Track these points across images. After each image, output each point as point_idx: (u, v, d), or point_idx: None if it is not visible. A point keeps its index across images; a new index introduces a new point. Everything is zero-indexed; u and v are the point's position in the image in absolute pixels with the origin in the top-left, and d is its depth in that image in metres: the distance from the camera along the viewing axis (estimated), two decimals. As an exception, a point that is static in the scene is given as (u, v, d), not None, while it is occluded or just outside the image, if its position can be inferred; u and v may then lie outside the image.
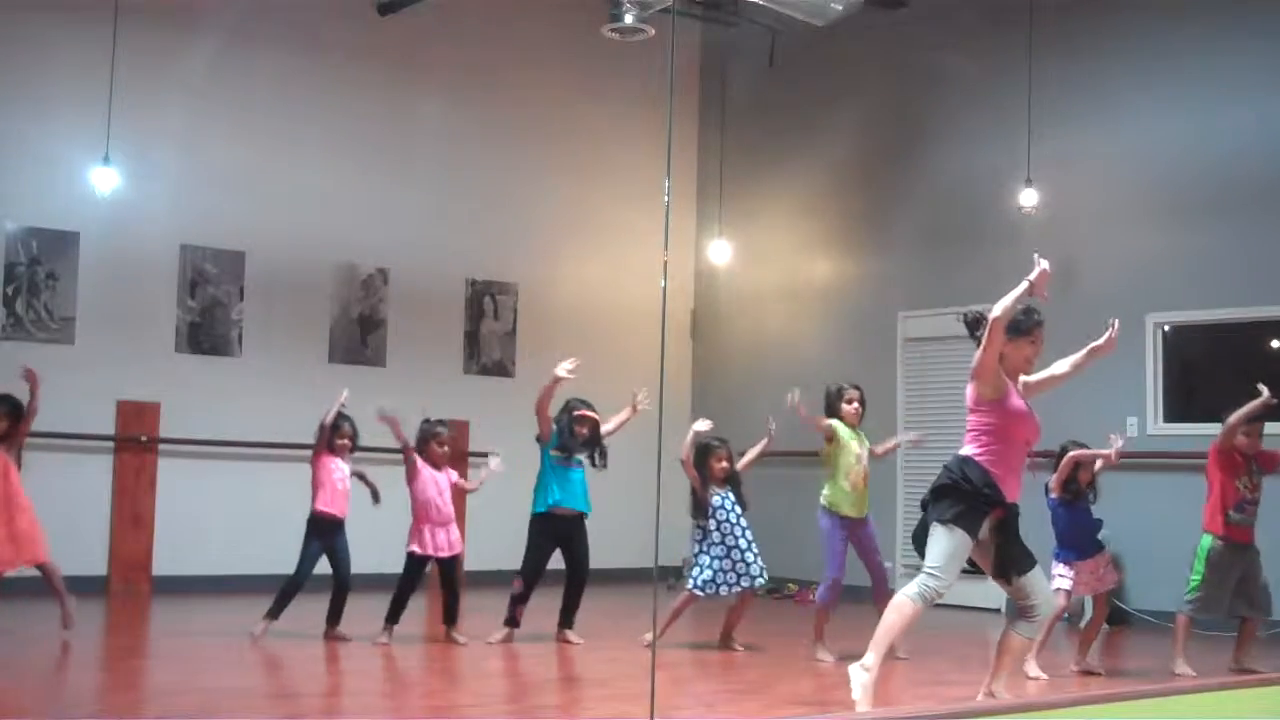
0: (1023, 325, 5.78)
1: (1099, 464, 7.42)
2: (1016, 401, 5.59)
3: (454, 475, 8.04)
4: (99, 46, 9.52)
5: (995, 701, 5.40)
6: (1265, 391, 7.36)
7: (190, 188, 10.55)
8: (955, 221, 11.00)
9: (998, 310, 5.55)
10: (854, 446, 7.65)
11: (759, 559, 7.74)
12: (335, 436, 7.91)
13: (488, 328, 11.92)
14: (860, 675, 5.33)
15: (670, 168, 12.28)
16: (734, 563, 7.64)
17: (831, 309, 11.92)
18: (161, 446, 10.24)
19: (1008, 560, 5.48)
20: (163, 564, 10.16)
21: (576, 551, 7.91)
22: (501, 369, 11.91)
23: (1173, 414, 9.61)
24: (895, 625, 5.43)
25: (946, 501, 5.44)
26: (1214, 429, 9.35)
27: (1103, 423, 9.78)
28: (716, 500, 7.73)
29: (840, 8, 9.99)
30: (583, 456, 7.96)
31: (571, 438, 7.88)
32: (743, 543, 7.70)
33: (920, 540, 5.54)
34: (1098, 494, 7.41)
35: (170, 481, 10.24)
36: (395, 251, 11.40)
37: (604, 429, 8.01)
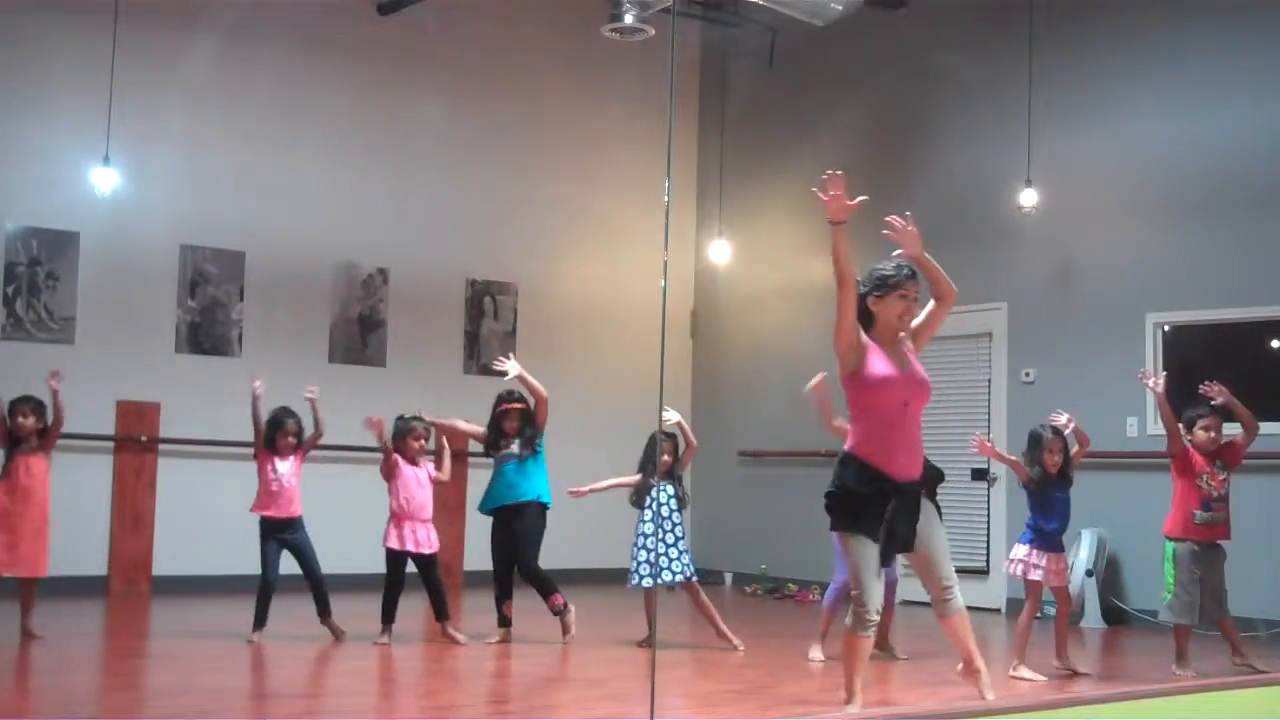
0: (890, 280, 5.55)
1: (1074, 449, 7.20)
2: (880, 368, 5.32)
3: (432, 470, 8.03)
4: (99, 46, 9.52)
5: (996, 702, 5.39)
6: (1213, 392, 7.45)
7: (190, 188, 10.55)
8: (955, 221, 10.98)
9: (839, 263, 5.46)
10: None
11: (681, 558, 7.64)
12: (277, 434, 7.83)
13: (488, 328, 11.92)
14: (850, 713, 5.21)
15: (670, 168, 12.29)
16: (656, 556, 7.59)
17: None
18: (161, 446, 10.25)
19: (889, 539, 5.19)
20: (163, 564, 10.17)
21: (515, 541, 7.95)
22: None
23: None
24: (850, 661, 5.27)
25: (835, 513, 5.28)
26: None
27: (1103, 423, 9.81)
28: (654, 493, 7.68)
29: (840, 8, 10.00)
30: (513, 449, 8.04)
31: (500, 434, 8.09)
32: (669, 538, 7.65)
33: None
34: (1070, 480, 7.19)
35: (170, 481, 10.25)
36: (395, 251, 11.40)
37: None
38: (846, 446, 5.29)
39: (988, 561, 10.39)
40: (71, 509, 9.45)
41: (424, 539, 7.81)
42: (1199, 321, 9.60)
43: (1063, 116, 10.23)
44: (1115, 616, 9.55)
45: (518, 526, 7.94)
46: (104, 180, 9.51)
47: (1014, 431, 10.36)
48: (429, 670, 7.04)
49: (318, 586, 7.74)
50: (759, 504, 11.81)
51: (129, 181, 9.81)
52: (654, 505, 7.66)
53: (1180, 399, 9.68)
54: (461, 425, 8.26)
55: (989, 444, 7.31)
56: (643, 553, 7.61)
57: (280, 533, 7.72)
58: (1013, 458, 7.44)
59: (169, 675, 6.62)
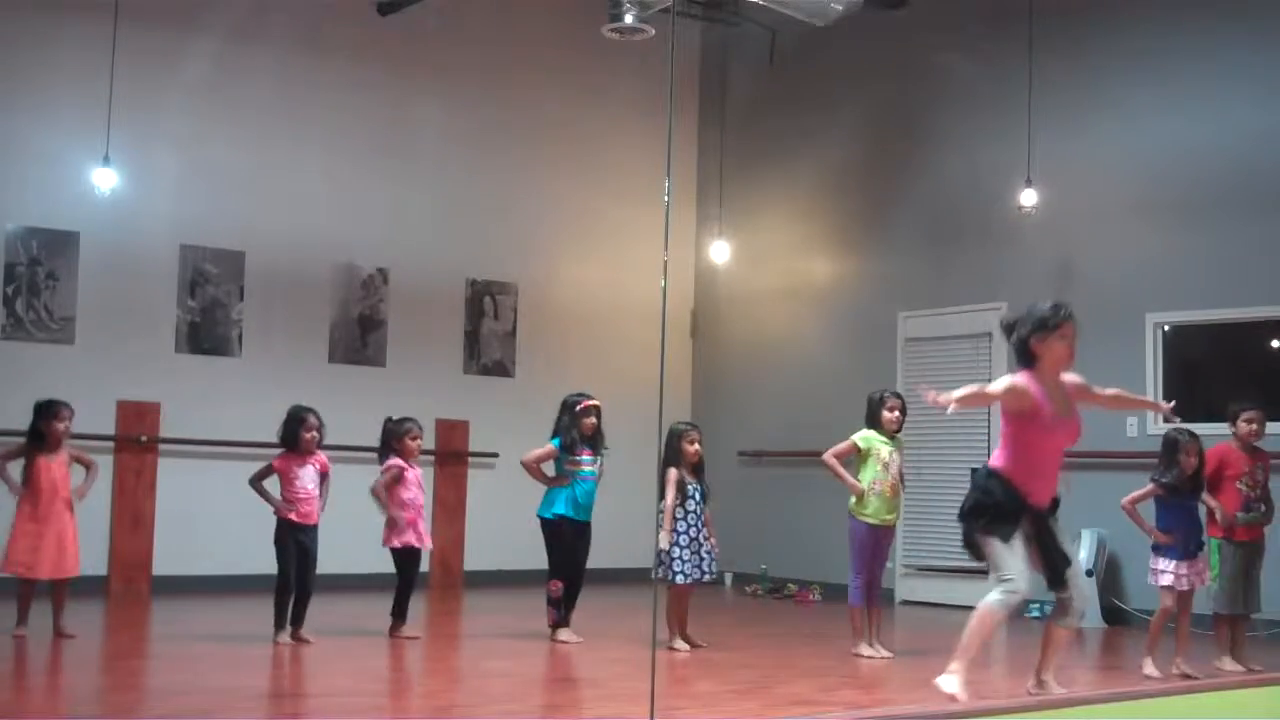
0: (1050, 322, 5.66)
1: (1192, 457, 7.05)
2: (1046, 412, 5.59)
3: (418, 468, 8.12)
4: (99, 46, 9.52)
5: (996, 702, 5.40)
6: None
7: (190, 188, 10.55)
8: (955, 221, 11.00)
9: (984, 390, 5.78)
10: (884, 454, 7.59)
11: (713, 554, 7.68)
12: (300, 430, 7.74)
13: (488, 328, 11.92)
14: (950, 683, 5.49)
15: (670, 168, 12.27)
16: (695, 554, 7.59)
17: (831, 309, 11.92)
18: (161, 446, 10.25)
19: (1049, 560, 5.63)
20: (163, 564, 10.16)
21: (580, 557, 7.92)
22: (501, 369, 11.91)
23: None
24: (976, 631, 5.58)
25: (976, 517, 5.66)
26: (1213, 429, 9.37)
27: (1103, 423, 9.80)
28: (689, 489, 7.66)
29: (840, 8, 10.00)
30: (589, 459, 7.91)
31: (581, 437, 7.90)
32: (702, 535, 7.64)
33: (971, 549, 5.76)
34: (1204, 485, 7.13)
35: (170, 481, 10.24)
36: (395, 251, 11.40)
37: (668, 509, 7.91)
38: (993, 463, 5.71)
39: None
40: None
41: (425, 535, 7.96)
42: (1199, 321, 9.60)
43: (1063, 116, 10.23)
44: (1115, 616, 9.55)
45: (587, 543, 7.94)
46: (104, 180, 9.51)
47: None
48: (429, 670, 7.04)
49: (308, 597, 7.66)
50: (759, 504, 11.80)
51: (129, 181, 9.81)
52: (688, 504, 7.63)
53: (1181, 399, 9.67)
54: (535, 454, 7.96)
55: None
56: (683, 550, 7.55)
57: (301, 535, 7.65)
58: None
59: (169, 675, 6.62)
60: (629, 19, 10.01)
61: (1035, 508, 5.62)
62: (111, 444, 10.07)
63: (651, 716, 4.80)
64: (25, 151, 9.90)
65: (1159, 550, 7.05)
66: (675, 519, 7.56)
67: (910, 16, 11.27)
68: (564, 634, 7.74)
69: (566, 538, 7.81)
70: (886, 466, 7.56)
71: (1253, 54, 9.47)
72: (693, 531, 7.59)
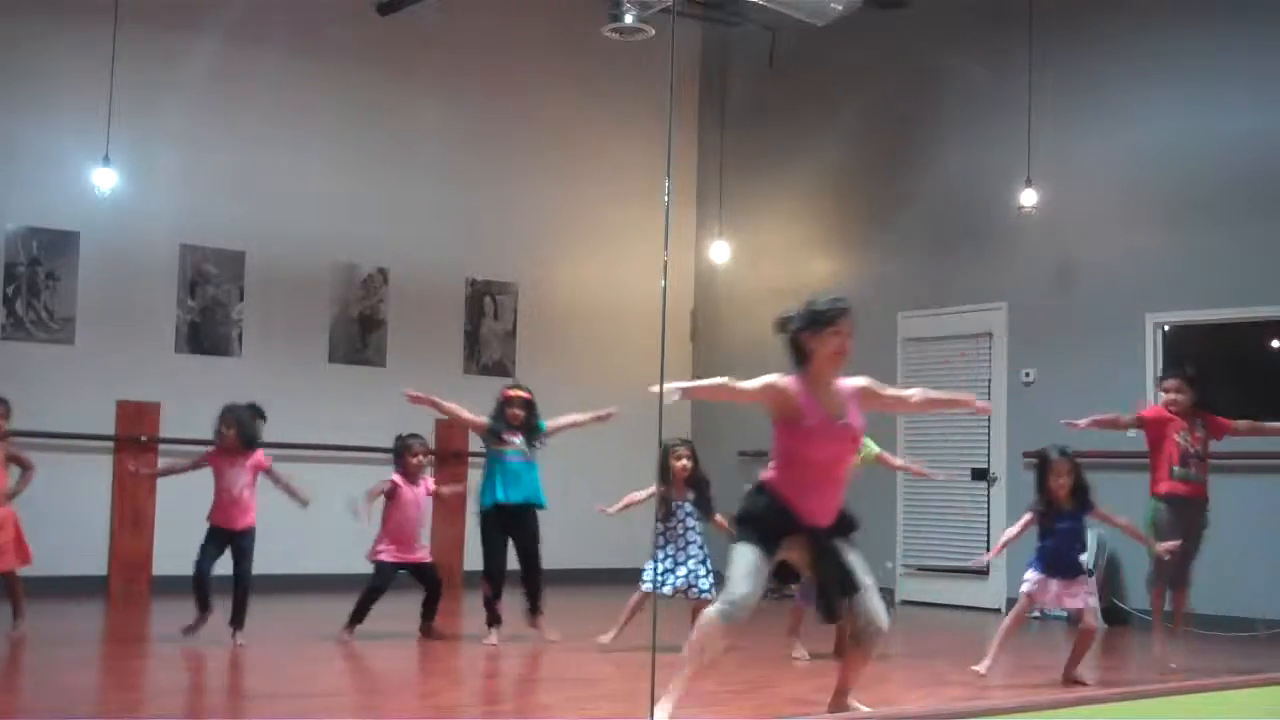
0: (823, 316, 5.15)
1: (1060, 479, 6.79)
2: (813, 417, 5.02)
3: (430, 484, 8.12)
4: (99, 46, 9.52)
5: (995, 702, 5.38)
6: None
7: (190, 188, 10.55)
8: (955, 221, 11.00)
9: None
10: None
11: (709, 576, 7.43)
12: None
13: (488, 328, 11.92)
14: (661, 712, 4.92)
15: (670, 168, 12.28)
16: (678, 566, 7.46)
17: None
18: (161, 446, 10.24)
19: (824, 587, 5.10)
20: (163, 564, 10.15)
21: (530, 544, 7.87)
22: (501, 369, 11.91)
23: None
24: (695, 648, 5.02)
25: (740, 526, 5.13)
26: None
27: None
28: (674, 505, 7.52)
29: (840, 8, 10.00)
30: (518, 441, 7.83)
31: (504, 424, 7.88)
32: (691, 550, 7.47)
33: None
34: (1088, 505, 6.86)
35: (170, 481, 10.19)
36: (395, 251, 11.40)
37: (560, 422, 8.05)
38: (764, 475, 5.14)
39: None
40: (71, 509, 9.46)
41: (413, 557, 7.92)
42: (1199, 321, 9.60)
43: (1063, 116, 10.23)
44: (1115, 617, 9.54)
45: (532, 529, 7.88)
46: (104, 180, 9.51)
47: (1014, 431, 10.37)
48: (428, 670, 7.03)
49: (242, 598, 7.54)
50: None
51: (129, 181, 9.81)
52: (671, 521, 7.53)
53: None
54: (464, 414, 8.05)
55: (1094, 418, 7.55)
56: (667, 560, 7.47)
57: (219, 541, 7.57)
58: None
59: (169, 675, 6.62)
60: (629, 19, 10.02)
61: (811, 528, 5.02)
62: (111, 444, 10.07)
63: (651, 716, 4.79)
64: (25, 151, 9.90)
65: (1035, 562, 6.85)
66: (658, 534, 7.50)
67: (910, 16, 11.27)
68: (494, 635, 7.64)
69: (493, 532, 7.78)
70: None
71: (1252, 54, 9.47)
72: (675, 547, 7.48)
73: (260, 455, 7.64)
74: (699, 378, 12.77)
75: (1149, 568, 7.44)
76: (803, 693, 6.25)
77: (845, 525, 5.13)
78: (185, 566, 10.12)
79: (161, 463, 8.99)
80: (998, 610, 10.18)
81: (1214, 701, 6.19)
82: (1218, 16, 9.65)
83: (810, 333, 5.14)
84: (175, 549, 10.14)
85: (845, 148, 11.90)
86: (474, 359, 11.82)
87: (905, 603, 10.76)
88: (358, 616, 7.74)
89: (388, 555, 7.83)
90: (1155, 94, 9.94)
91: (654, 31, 10.26)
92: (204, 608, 7.46)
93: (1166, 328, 9.73)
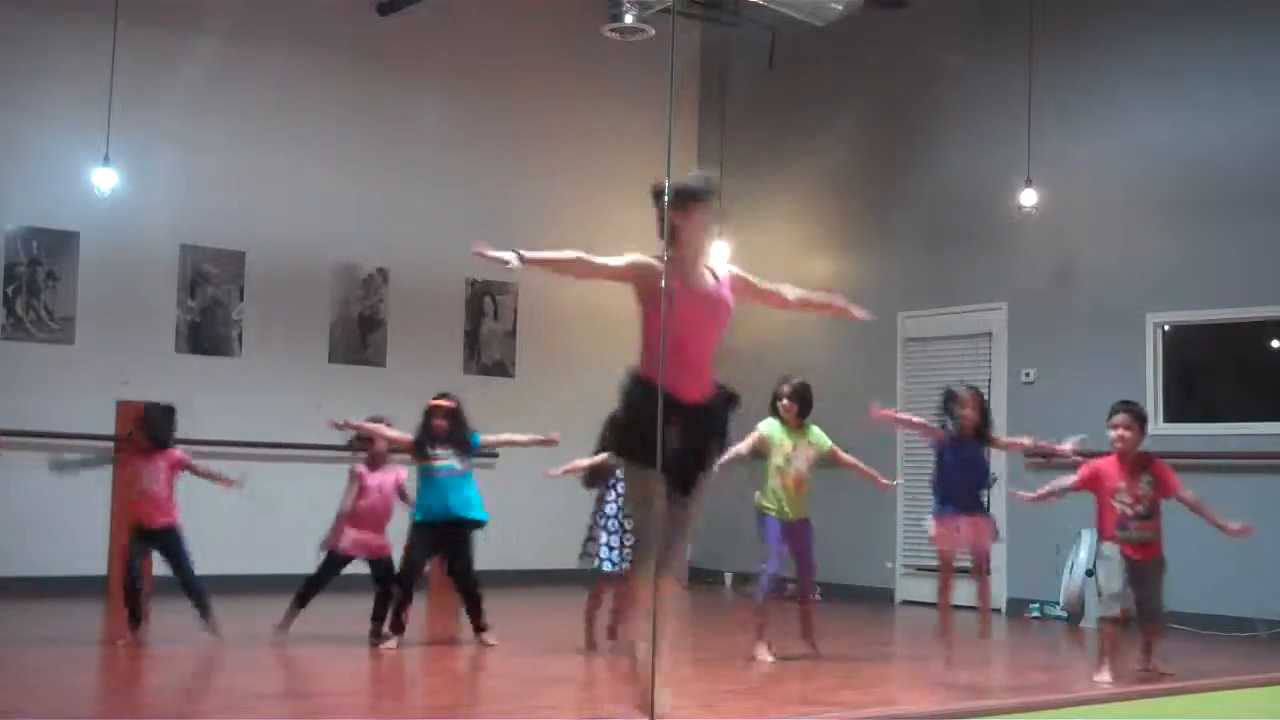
0: (691, 193, 5.16)
1: (965, 409, 6.70)
2: (680, 288, 4.87)
3: (401, 474, 7.83)
4: (99, 46, 9.52)
5: (996, 702, 5.38)
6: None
7: (190, 188, 10.55)
8: (955, 221, 11.00)
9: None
10: (785, 448, 7.38)
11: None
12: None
13: (488, 328, 11.92)
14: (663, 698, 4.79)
15: (670, 168, 12.27)
16: (622, 539, 7.28)
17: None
18: (161, 446, 10.23)
19: (681, 468, 4.82)
20: (163, 564, 10.13)
21: (463, 559, 7.63)
22: (501, 369, 11.91)
23: (1173, 414, 9.61)
24: (628, 608, 5.01)
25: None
26: (1214, 429, 9.41)
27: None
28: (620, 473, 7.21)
29: (840, 8, 10.01)
30: (446, 454, 7.56)
31: (426, 434, 7.60)
32: (629, 523, 7.20)
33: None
34: (988, 437, 6.81)
35: (170, 482, 10.23)
36: (395, 251, 11.40)
37: (499, 438, 7.88)
38: (635, 366, 4.95)
39: (987, 561, 10.37)
40: (71, 509, 9.46)
41: (374, 546, 7.71)
42: (1199, 321, 9.60)
43: (1063, 116, 10.23)
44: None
45: (461, 547, 7.60)
46: (104, 180, 9.51)
47: (1014, 432, 10.34)
48: (428, 670, 7.03)
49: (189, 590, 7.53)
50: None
51: (129, 181, 9.81)
52: (611, 494, 7.36)
53: (1181, 399, 9.71)
54: (390, 433, 7.72)
55: (888, 411, 7.27)
56: (614, 538, 7.26)
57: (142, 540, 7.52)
58: (918, 418, 7.40)
59: (169, 675, 6.61)
60: (629, 19, 10.03)
61: (687, 404, 4.80)
62: (112, 444, 10.06)
63: (651, 716, 4.80)
64: (25, 151, 9.90)
65: (935, 501, 6.76)
66: (605, 502, 7.35)
67: (910, 16, 11.27)
68: (391, 642, 7.39)
69: (416, 545, 7.55)
70: (789, 460, 7.35)
71: (1253, 54, 9.47)
72: (623, 519, 7.26)
73: (177, 454, 7.56)
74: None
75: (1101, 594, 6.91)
76: (803, 693, 6.25)
77: (725, 402, 5.03)
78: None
79: (82, 458, 8.80)
80: (998, 610, 10.18)
81: (1214, 701, 6.19)
82: (1218, 17, 9.65)
83: (677, 209, 5.07)
84: (175, 549, 10.18)
85: (845, 148, 11.90)
86: (474, 359, 11.82)
87: (905, 603, 10.76)
88: (300, 602, 7.59)
89: (345, 543, 7.64)
90: (1155, 94, 9.94)
91: (654, 31, 10.26)
92: (135, 618, 7.32)
93: (1166, 328, 9.73)
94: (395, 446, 7.75)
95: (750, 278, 5.32)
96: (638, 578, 4.88)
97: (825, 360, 11.60)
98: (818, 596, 10.91)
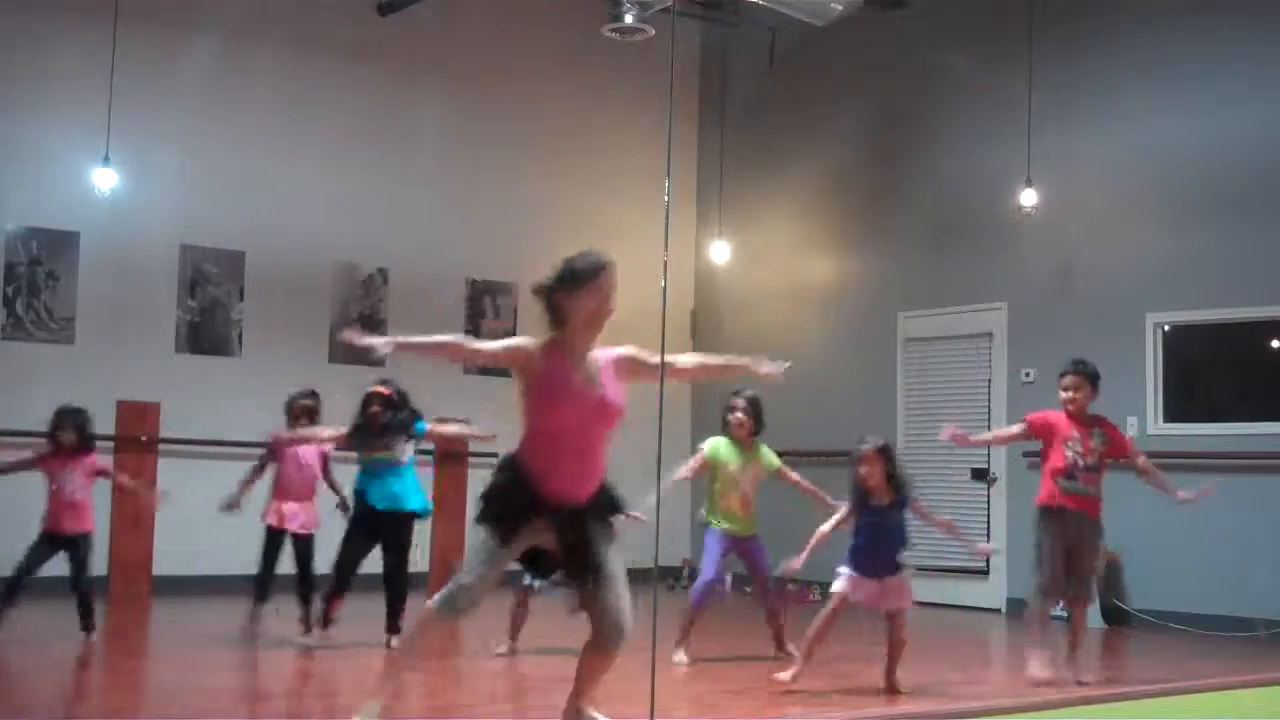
0: (581, 274, 4.71)
1: (862, 466, 6.32)
2: (562, 384, 4.62)
3: (325, 449, 7.77)
4: (99, 46, 9.52)
5: (995, 702, 5.39)
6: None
7: (190, 188, 10.55)
8: (955, 221, 11.00)
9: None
10: (731, 469, 7.25)
11: None
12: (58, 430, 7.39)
13: (488, 328, 11.92)
14: (371, 708, 4.62)
15: (670, 168, 12.27)
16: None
17: (831, 309, 11.92)
18: (161, 446, 10.24)
19: (569, 571, 4.69)
20: (163, 564, 10.16)
21: (399, 553, 7.41)
22: (501, 369, 11.90)
23: (1173, 414, 9.61)
24: (414, 637, 4.81)
25: (481, 506, 4.66)
26: (1214, 429, 9.41)
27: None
28: None
29: (840, 7, 10.00)
30: (383, 443, 7.35)
31: (363, 422, 7.40)
32: None
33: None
34: (905, 500, 6.40)
35: (170, 481, 10.21)
36: (395, 251, 11.40)
37: (443, 430, 7.73)
38: (515, 450, 4.68)
39: (987, 562, 10.38)
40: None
41: (302, 519, 7.65)
42: (1199, 321, 9.60)
43: (1063, 116, 10.23)
44: (1116, 617, 9.54)
45: (399, 538, 7.40)
46: (104, 180, 9.52)
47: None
48: (428, 670, 7.03)
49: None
50: (758, 504, 11.78)
51: (129, 181, 9.81)
52: None
53: (1181, 399, 9.71)
54: (323, 433, 7.58)
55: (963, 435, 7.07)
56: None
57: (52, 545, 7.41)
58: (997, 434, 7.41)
59: (169, 675, 6.61)
60: (629, 19, 10.02)
61: (561, 506, 4.53)
62: (112, 444, 10.06)
63: (651, 716, 4.80)
64: (25, 151, 9.90)
65: (847, 558, 6.45)
66: None
67: (910, 16, 11.28)
68: (313, 636, 7.29)
69: (352, 535, 7.40)
70: (736, 481, 7.24)
71: (1253, 54, 9.47)
72: None
73: (95, 458, 7.53)
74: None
75: (1034, 581, 6.78)
76: (802, 693, 6.24)
77: (605, 506, 4.64)
78: (185, 567, 10.17)
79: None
80: (998, 610, 10.19)
81: (1214, 701, 6.20)
82: (1218, 16, 9.65)
83: (565, 293, 4.72)
84: (175, 549, 10.19)
85: (845, 148, 11.90)
86: (474, 359, 11.81)
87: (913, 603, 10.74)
88: (260, 595, 7.54)
89: (272, 518, 7.60)
90: (1156, 94, 9.94)
91: (654, 31, 10.25)
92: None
93: (1166, 328, 9.73)
94: (335, 444, 7.61)
95: (640, 355, 4.85)
96: (440, 615, 4.65)
97: (825, 360, 11.60)
98: (816, 596, 10.95)
